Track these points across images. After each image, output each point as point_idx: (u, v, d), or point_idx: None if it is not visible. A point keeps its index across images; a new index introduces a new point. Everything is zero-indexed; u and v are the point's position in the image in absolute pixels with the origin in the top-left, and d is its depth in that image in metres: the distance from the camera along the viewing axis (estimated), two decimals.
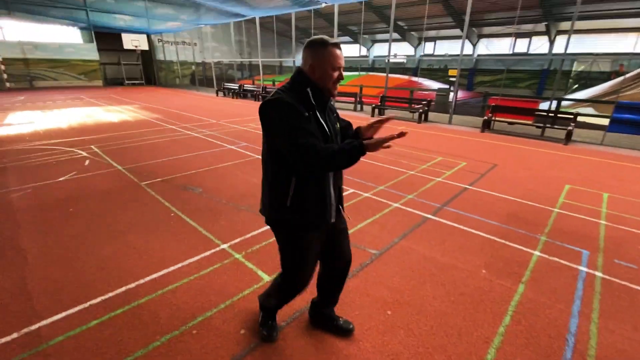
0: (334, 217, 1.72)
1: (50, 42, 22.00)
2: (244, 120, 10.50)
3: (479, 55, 24.34)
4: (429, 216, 3.76)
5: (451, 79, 11.53)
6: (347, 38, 30.45)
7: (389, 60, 12.41)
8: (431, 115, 11.28)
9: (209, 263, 2.81)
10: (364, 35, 29.69)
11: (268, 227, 1.77)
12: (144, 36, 24.88)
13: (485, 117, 9.35)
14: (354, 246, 3.01)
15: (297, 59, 19.11)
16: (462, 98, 16.53)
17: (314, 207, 1.62)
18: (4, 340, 2.01)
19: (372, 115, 11.69)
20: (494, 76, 23.04)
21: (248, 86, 18.28)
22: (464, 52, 10.11)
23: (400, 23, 25.57)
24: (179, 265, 2.77)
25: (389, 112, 12.02)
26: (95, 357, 1.90)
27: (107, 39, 24.06)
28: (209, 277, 2.63)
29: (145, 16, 25.55)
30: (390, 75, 12.64)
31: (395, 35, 25.97)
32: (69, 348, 1.95)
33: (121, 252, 2.96)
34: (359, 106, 13.56)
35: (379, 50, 30.81)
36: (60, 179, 4.83)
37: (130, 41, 24.09)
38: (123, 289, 2.48)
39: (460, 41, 10.17)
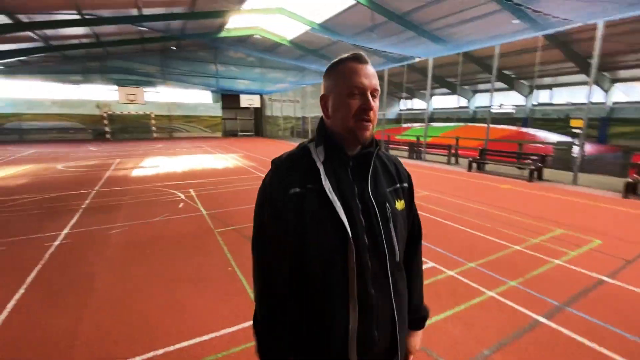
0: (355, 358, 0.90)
1: (188, 102, 27.61)
2: None
3: (614, 103, 20.26)
4: (542, 319, 2.66)
5: (575, 130, 9.56)
6: (444, 90, 29.62)
7: (491, 108, 11.18)
8: (547, 172, 9.36)
9: (245, 338, 2.43)
10: (464, 87, 28.40)
11: None
12: (258, 96, 29.06)
13: (630, 179, 7.19)
14: (422, 350, 2.24)
15: (389, 112, 19.43)
16: (592, 153, 13.57)
17: (319, 337, 0.92)
18: None
19: (469, 170, 10.38)
20: (636, 126, 18.61)
21: None
22: (594, 100, 8.32)
23: (507, 72, 23.68)
24: (211, 335, 2.46)
25: (490, 167, 10.52)
26: None
27: (228, 99, 28.97)
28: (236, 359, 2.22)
29: (260, 80, 30.09)
30: (494, 125, 11.28)
31: (501, 85, 24.00)
32: None
33: (168, 306, 2.85)
34: (453, 159, 12.35)
35: (481, 100, 28.83)
36: (155, 219, 5.35)
37: (246, 100, 28.37)
38: (150, 354, 2.27)
39: (586, 87, 8.47)
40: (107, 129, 24.28)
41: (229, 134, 30.73)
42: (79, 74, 23.21)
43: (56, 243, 4.30)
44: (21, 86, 22.08)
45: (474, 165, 10.55)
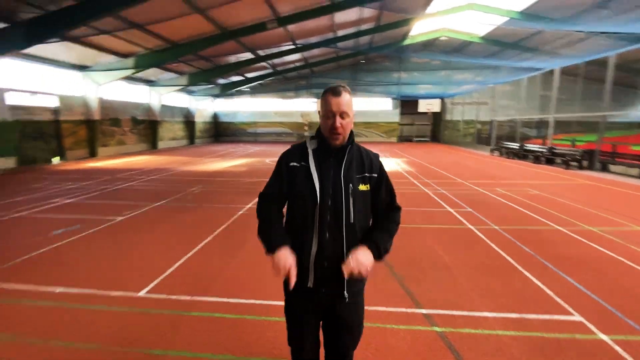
0: (312, 282, 1.44)
1: (369, 109, 29.92)
2: (494, 183, 9.09)
3: None
4: None
5: None
6: None
7: None
8: None
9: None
10: None
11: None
12: (438, 100, 27.88)
13: None
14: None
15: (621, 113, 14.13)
16: None
17: (298, 263, 1.43)
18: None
19: None
20: None
21: (530, 145, 15.57)
22: None
23: None
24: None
25: None
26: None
27: (407, 104, 29.31)
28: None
29: (443, 83, 28.74)
30: None
31: None
32: None
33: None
34: None
35: None
36: None
37: (425, 105, 27.80)
38: (264, 301, 2.99)
39: None
40: (306, 133, 29.97)
41: (404, 139, 31.06)
42: (292, 90, 29.81)
43: (240, 212, 6.01)
44: (258, 102, 30.74)
45: None
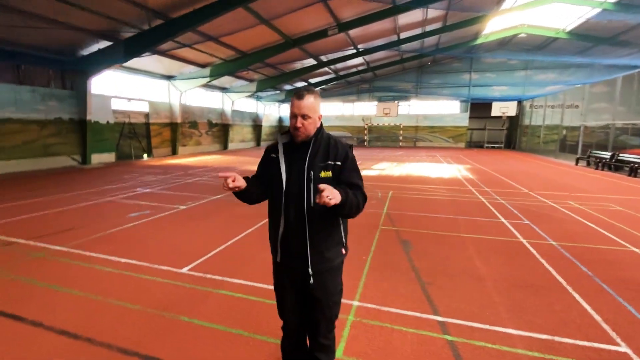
0: (280, 258, 1.70)
1: (435, 113, 28.47)
2: (568, 195, 7.99)
3: None
4: None
5: None
6: None
7: None
8: None
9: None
10: None
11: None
12: (514, 103, 25.30)
13: None
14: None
15: None
16: None
17: (271, 238, 1.76)
18: None
19: None
20: None
21: (626, 156, 13.23)
22: None
23: None
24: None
25: None
26: None
27: (478, 107, 27.19)
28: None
29: (522, 84, 26.02)
30: None
31: None
32: None
33: None
34: None
35: None
36: None
37: (499, 108, 25.45)
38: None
39: None
40: (366, 137, 29.81)
41: (474, 145, 28.83)
42: (354, 94, 29.95)
43: None
44: (320, 107, 31.51)
45: None
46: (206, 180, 9.95)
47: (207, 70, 16.97)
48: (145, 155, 16.62)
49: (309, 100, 1.59)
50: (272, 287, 3.13)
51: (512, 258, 4.08)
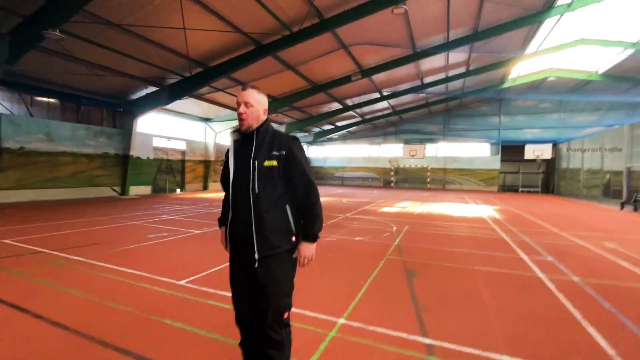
0: (228, 246, 1.83)
1: (464, 156, 27.96)
2: (603, 236, 7.29)
3: None
4: None
5: None
6: None
7: None
8: None
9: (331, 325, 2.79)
10: None
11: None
12: (549, 145, 24.33)
13: None
14: None
15: None
16: None
17: (225, 230, 1.86)
18: None
19: None
20: None
21: None
22: None
23: None
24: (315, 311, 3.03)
25: None
26: None
27: (510, 150, 26.37)
28: None
29: (557, 126, 25.20)
30: None
31: None
32: None
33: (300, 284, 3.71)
34: None
35: None
36: (357, 238, 6.47)
37: (533, 151, 24.52)
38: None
39: None
40: (392, 178, 29.64)
41: (508, 188, 27.52)
42: (380, 137, 30.48)
43: None
44: (347, 148, 32.25)
45: None
46: None
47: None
48: (178, 190, 17.68)
49: (251, 92, 1.79)
50: None
51: (524, 291, 3.76)
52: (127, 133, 14.54)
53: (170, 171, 17.35)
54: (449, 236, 7.02)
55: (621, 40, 14.74)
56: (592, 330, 2.79)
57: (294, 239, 1.81)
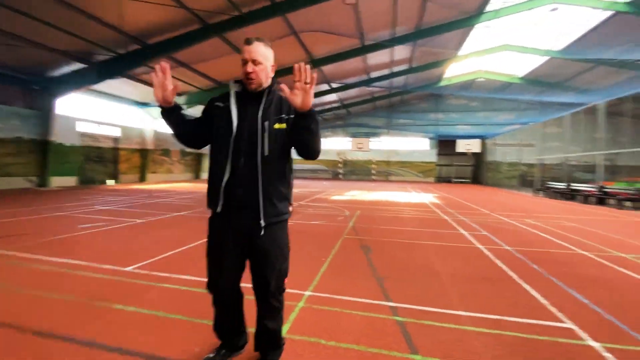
0: (220, 207, 1.59)
1: (405, 149, 29.80)
2: (526, 215, 8.39)
3: None
4: None
5: None
6: None
7: None
8: None
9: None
10: None
11: None
12: (477, 140, 27.03)
13: None
14: None
15: None
16: None
17: (211, 190, 1.64)
18: None
19: None
20: None
21: (578, 185, 14.26)
22: None
23: None
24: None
25: None
26: None
27: (445, 144, 28.77)
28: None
29: (484, 123, 28.06)
30: None
31: None
32: None
33: None
34: None
35: None
36: (313, 222, 6.50)
37: (464, 145, 27.06)
38: None
39: None
40: (340, 170, 30.41)
41: (443, 180, 30.03)
42: (328, 129, 30.96)
43: None
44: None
45: None
46: (170, 201, 9.63)
47: (182, 99, 17.12)
48: (110, 181, 15.96)
49: (258, 45, 1.57)
50: None
51: (468, 259, 4.15)
52: (45, 115, 12.62)
53: (100, 160, 15.55)
54: (398, 218, 7.44)
55: (537, 48, 16.89)
56: (527, 287, 3.18)
57: (290, 208, 1.73)
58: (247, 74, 1.55)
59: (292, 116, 1.58)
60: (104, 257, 3.71)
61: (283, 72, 15.60)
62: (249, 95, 1.62)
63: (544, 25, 14.75)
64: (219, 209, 1.59)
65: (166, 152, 20.09)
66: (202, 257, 3.70)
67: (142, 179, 17.87)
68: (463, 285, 3.17)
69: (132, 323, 2.24)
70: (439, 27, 13.62)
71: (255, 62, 1.55)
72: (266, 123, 1.58)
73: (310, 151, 1.60)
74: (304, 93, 1.44)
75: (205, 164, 24.18)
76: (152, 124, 18.04)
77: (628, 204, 10.89)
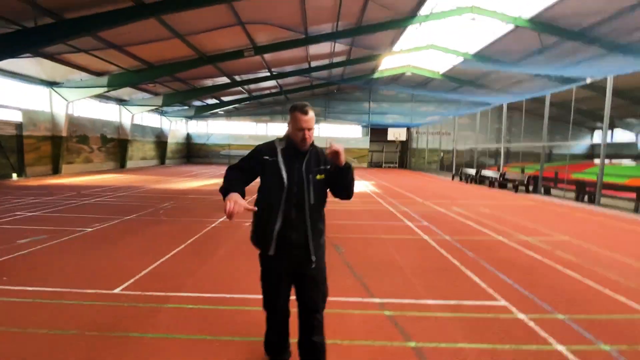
0: (274, 250, 1.87)
1: (341, 136, 31.19)
2: (452, 202, 9.92)
3: None
4: None
5: None
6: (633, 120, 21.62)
7: None
8: None
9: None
10: None
11: None
12: (404, 129, 29.67)
13: None
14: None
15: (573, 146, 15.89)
16: None
17: (261, 234, 1.91)
18: None
19: None
20: None
21: (485, 172, 17.02)
22: None
23: None
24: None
25: None
26: None
27: (376, 132, 30.91)
28: None
29: (410, 114, 30.76)
30: None
31: None
32: None
33: (230, 265, 3.84)
34: None
35: None
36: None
37: (393, 134, 29.45)
38: (224, 295, 3.25)
39: None
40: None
41: (374, 165, 32.40)
42: (267, 115, 30.56)
43: (212, 225, 6.21)
44: (233, 125, 31.12)
45: None
46: (108, 200, 8.83)
47: (103, 79, 15.15)
48: (14, 175, 13.57)
49: (312, 114, 1.88)
50: (228, 295, 3.25)
51: (420, 251, 4.98)
52: None
53: None
54: (351, 211, 8.14)
55: (457, 50, 19.09)
56: (469, 273, 4.06)
57: (325, 237, 2.07)
58: (305, 140, 1.87)
59: (328, 167, 1.95)
60: (80, 280, 3.52)
61: (222, 57, 14.94)
62: (294, 152, 1.92)
63: (465, 31, 16.73)
64: (272, 252, 1.89)
65: (84, 139, 17.69)
66: (190, 272, 3.80)
67: (55, 171, 15.53)
68: (423, 277, 3.91)
69: (158, 350, 2.36)
70: (377, 25, 14.46)
71: (310, 129, 1.87)
72: (310, 176, 1.89)
73: (350, 195, 2.03)
74: (340, 155, 1.84)
75: (131, 151, 22.08)
76: (65, 107, 15.60)
77: (521, 188, 13.52)
